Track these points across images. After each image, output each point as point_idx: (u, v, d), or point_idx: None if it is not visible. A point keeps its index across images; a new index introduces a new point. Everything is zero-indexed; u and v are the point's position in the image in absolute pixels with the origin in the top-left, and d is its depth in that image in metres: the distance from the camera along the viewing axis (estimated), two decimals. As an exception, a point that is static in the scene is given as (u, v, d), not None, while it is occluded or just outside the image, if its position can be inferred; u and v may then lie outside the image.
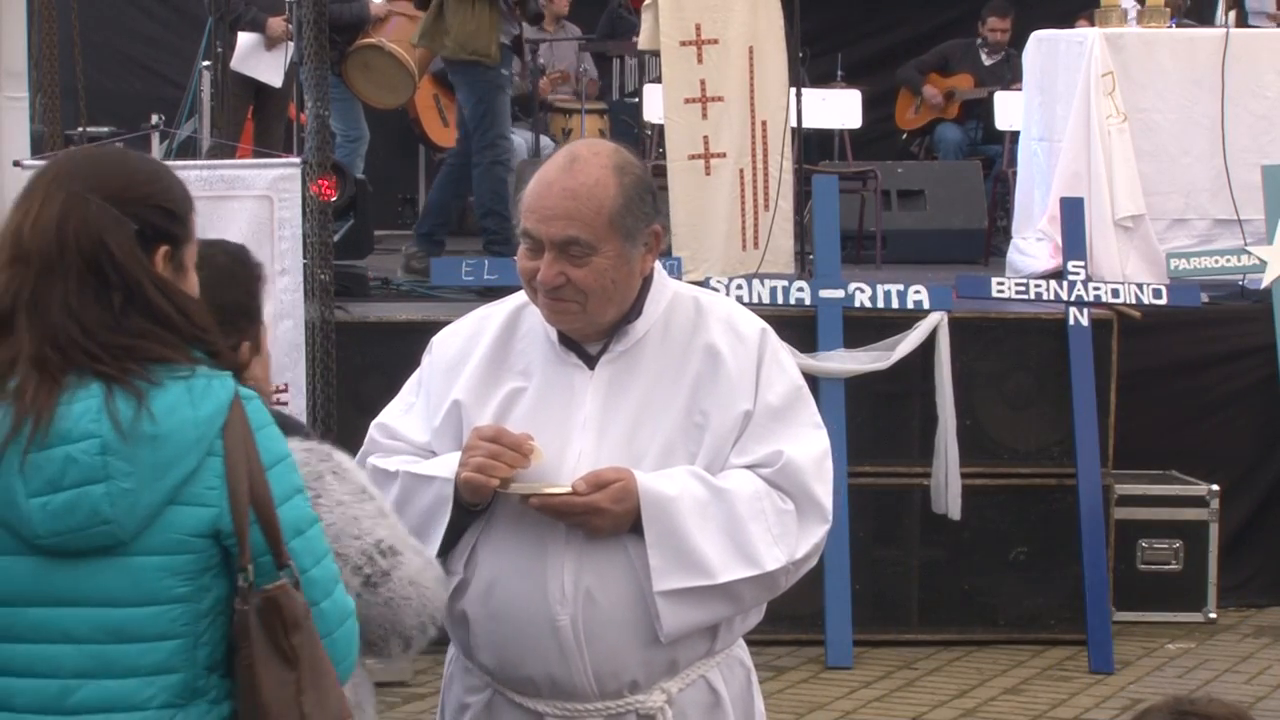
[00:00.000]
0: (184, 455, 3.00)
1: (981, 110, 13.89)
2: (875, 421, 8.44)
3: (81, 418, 2.98)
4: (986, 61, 14.18)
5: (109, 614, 3.01)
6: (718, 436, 3.71)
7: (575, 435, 3.70)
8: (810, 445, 3.76)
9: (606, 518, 3.61)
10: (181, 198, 3.17)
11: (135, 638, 3.01)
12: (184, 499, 3.01)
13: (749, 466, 3.71)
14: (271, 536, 3.03)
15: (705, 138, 9.49)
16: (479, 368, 3.79)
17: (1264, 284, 9.18)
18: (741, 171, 9.63)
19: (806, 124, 11.21)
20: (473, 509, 3.68)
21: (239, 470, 3.01)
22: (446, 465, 3.68)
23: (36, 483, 2.99)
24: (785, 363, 3.83)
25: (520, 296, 3.81)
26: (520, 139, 13.02)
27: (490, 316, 3.86)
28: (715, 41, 9.49)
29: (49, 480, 2.98)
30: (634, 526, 3.62)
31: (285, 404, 7.05)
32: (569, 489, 3.61)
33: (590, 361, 3.75)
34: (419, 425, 3.82)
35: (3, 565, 3.03)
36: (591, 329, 3.73)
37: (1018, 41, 11.72)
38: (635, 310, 3.74)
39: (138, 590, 3.01)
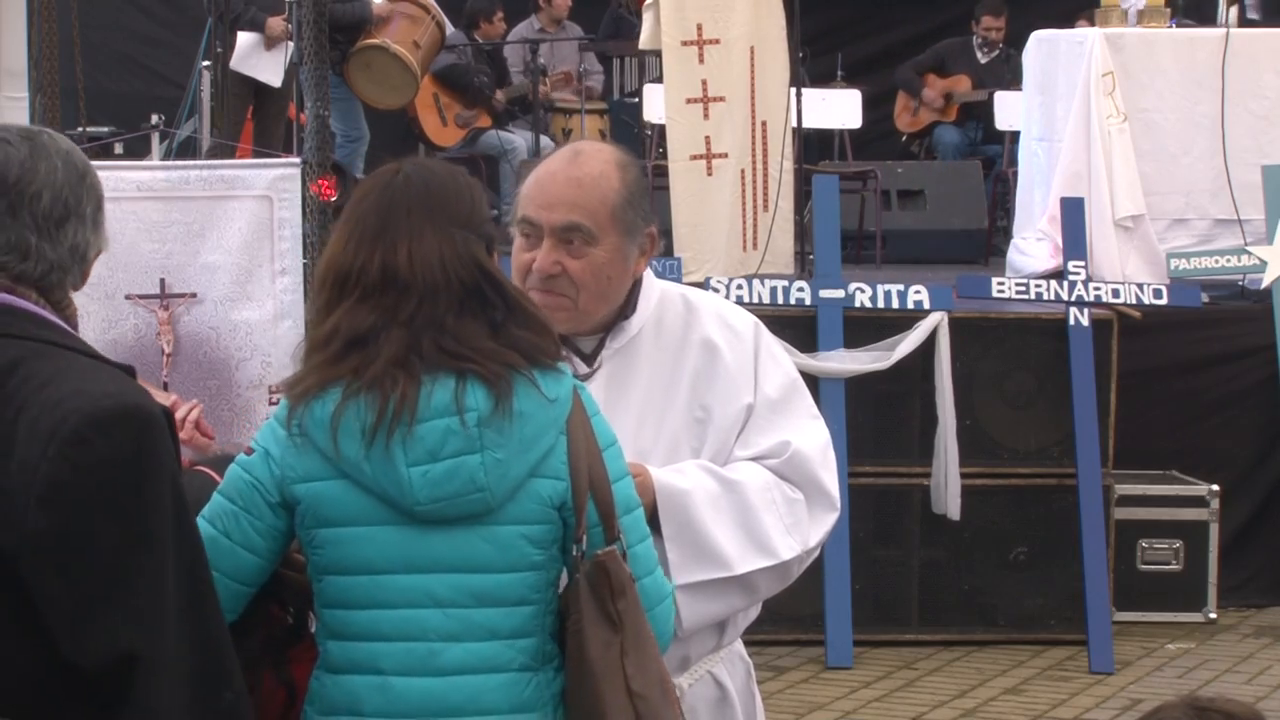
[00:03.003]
0: (545, 432, 3.23)
1: (981, 111, 13.87)
2: (875, 421, 8.44)
3: (449, 398, 3.17)
4: (983, 60, 14.14)
5: (475, 579, 3.21)
6: (720, 430, 3.74)
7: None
8: (814, 436, 3.79)
9: None
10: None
11: (497, 602, 3.22)
12: (542, 472, 3.23)
13: (755, 458, 3.74)
14: (605, 511, 3.27)
15: (707, 138, 9.49)
16: None
17: (1264, 284, 9.19)
18: (743, 172, 9.63)
19: (806, 124, 11.20)
20: None
21: (580, 449, 3.26)
22: None
23: (417, 452, 3.18)
24: (780, 356, 3.86)
25: None
26: (520, 139, 13.04)
27: None
28: (717, 41, 9.48)
29: (429, 450, 3.18)
30: (649, 521, 3.62)
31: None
32: None
33: (586, 359, 3.77)
34: None
35: (374, 533, 3.21)
36: (582, 326, 3.74)
37: (1018, 41, 11.71)
38: (630, 307, 3.77)
39: (502, 556, 3.22)
